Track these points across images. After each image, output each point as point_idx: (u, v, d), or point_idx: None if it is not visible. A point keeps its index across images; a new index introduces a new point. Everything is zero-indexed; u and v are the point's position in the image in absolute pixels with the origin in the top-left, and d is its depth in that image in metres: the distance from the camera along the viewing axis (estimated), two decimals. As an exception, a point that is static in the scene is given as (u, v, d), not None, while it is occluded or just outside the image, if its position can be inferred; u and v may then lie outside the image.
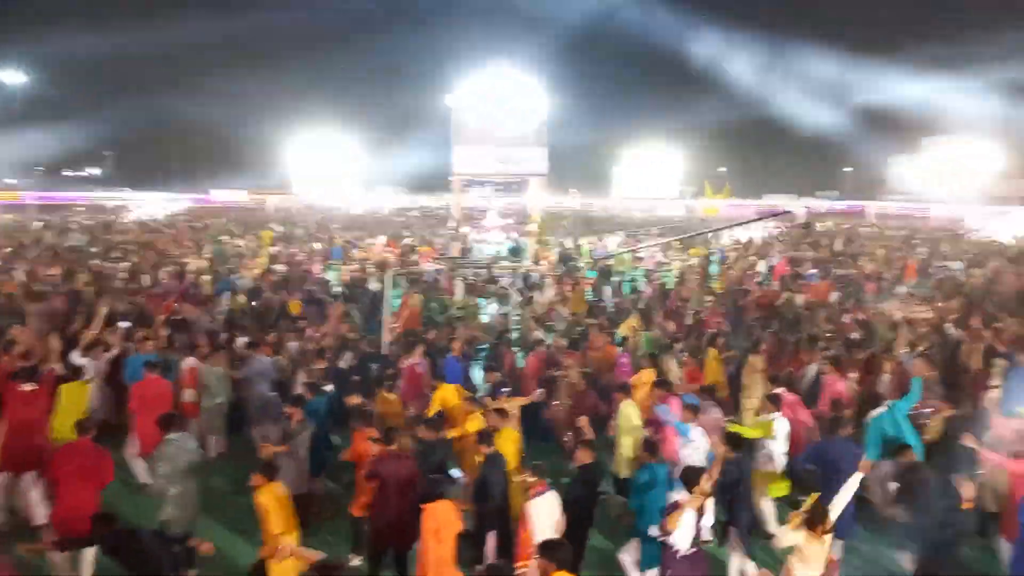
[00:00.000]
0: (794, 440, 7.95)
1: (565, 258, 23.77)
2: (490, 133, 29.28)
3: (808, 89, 67.92)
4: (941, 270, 22.10)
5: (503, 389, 9.34)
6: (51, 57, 67.44)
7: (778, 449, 7.70)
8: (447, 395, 8.84)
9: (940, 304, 14.59)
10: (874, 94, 67.06)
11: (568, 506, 6.46)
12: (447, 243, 26.96)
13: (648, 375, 9.42)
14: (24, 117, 67.26)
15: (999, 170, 60.92)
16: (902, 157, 75.16)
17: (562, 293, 16.38)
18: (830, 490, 5.94)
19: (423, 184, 64.18)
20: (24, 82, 66.00)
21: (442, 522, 5.97)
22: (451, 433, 7.98)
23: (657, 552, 6.19)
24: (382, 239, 27.56)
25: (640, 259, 23.86)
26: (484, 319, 14.32)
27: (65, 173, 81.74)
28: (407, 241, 28.13)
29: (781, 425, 7.81)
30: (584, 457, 6.91)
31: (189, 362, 9.93)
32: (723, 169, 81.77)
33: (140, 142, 76.12)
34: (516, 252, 24.88)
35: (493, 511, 6.80)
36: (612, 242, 28.39)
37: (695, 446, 7.57)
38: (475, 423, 7.94)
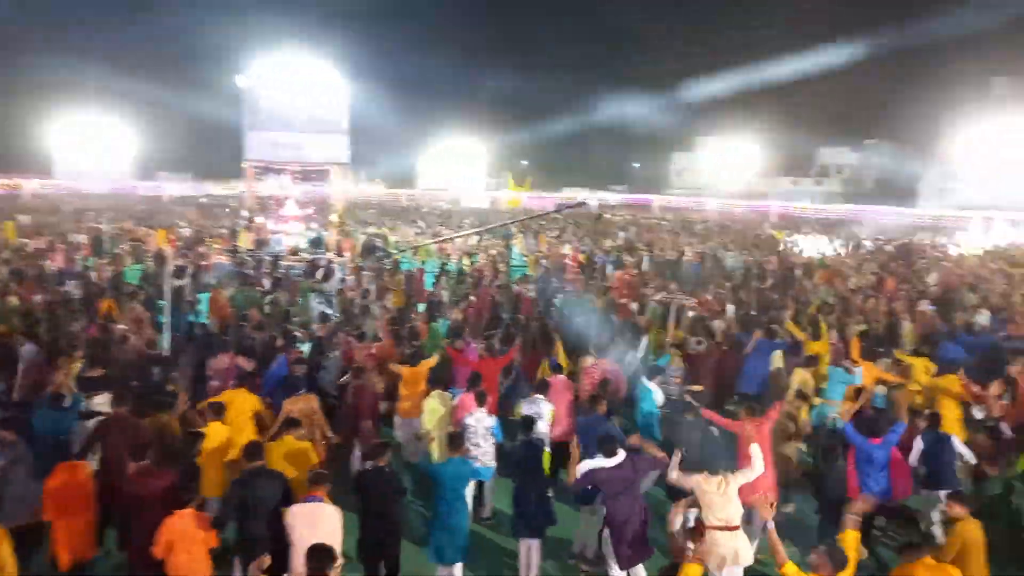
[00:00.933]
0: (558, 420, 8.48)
1: (370, 248, 23.13)
2: (286, 118, 27.64)
3: (601, 87, 72.16)
4: (713, 260, 24.40)
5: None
6: None
7: (542, 429, 8.03)
8: (237, 400, 7.97)
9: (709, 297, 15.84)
10: (656, 95, 72.69)
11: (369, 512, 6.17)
12: (240, 234, 25.15)
13: (425, 366, 9.26)
14: None
15: (759, 168, 68.95)
16: (682, 154, 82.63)
17: (382, 285, 15.85)
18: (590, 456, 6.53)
19: (213, 171, 59.49)
20: None
21: (178, 534, 5.48)
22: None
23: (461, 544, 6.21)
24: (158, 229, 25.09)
25: (444, 249, 23.86)
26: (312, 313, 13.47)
27: None
28: (185, 232, 25.93)
29: (546, 408, 8.24)
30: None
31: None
32: (525, 162, 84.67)
33: None
34: (317, 243, 23.83)
35: (249, 535, 6.01)
36: (410, 232, 28.22)
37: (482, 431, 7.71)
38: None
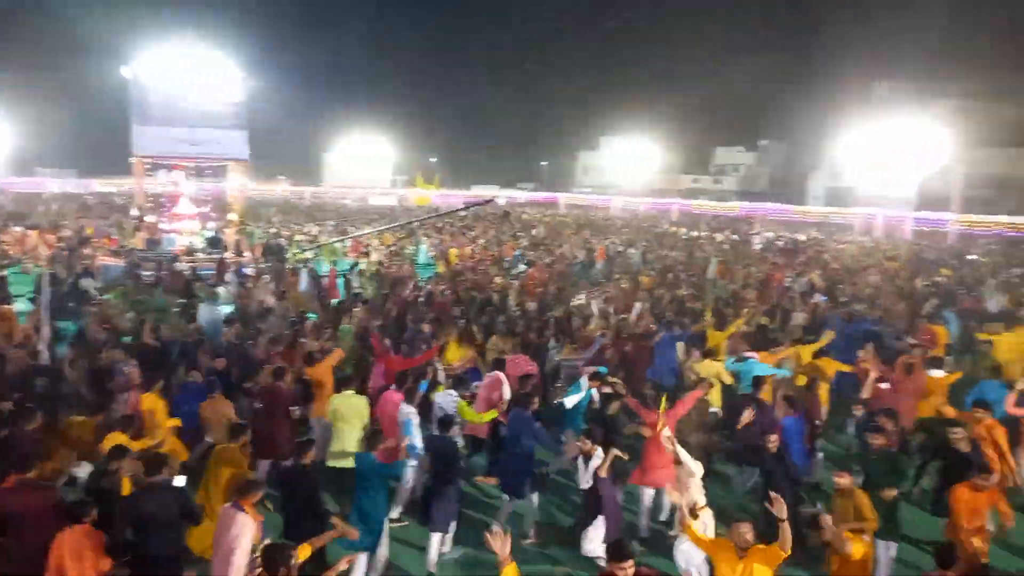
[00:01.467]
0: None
1: (274, 249, 22.29)
2: (178, 112, 26.18)
3: (510, 87, 72.41)
4: (620, 256, 24.99)
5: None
6: None
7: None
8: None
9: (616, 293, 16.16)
10: (564, 96, 73.79)
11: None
12: (130, 232, 23.73)
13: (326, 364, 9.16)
14: None
15: (660, 167, 71.00)
16: (588, 153, 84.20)
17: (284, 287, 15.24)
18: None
19: (99, 167, 55.88)
20: None
21: (69, 553, 5.09)
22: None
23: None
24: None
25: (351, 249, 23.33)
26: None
27: None
28: (66, 232, 24.31)
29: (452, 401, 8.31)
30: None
31: None
32: (434, 160, 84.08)
33: None
34: (215, 243, 22.74)
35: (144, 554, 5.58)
36: (315, 231, 27.46)
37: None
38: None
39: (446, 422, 7.47)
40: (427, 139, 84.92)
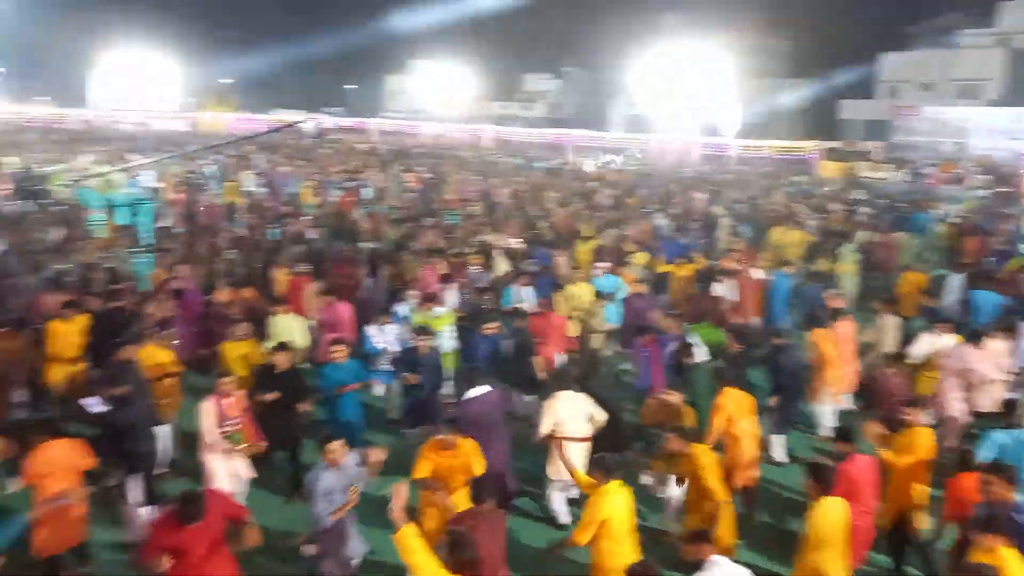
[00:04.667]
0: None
1: (24, 185, 19.27)
2: None
3: (315, 7, 67.60)
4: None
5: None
6: None
7: None
8: None
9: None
10: (370, 18, 70.25)
11: None
12: None
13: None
14: None
15: (473, 93, 70.56)
16: (396, 77, 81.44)
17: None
18: None
19: None
20: None
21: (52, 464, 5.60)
22: None
23: None
24: None
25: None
26: None
27: None
28: None
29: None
30: None
31: None
32: (229, 81, 77.03)
33: None
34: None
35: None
36: (86, 161, 24.23)
37: None
38: None
39: None
40: (220, 57, 77.46)
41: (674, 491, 6.60)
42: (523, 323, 9.01)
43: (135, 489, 6.67)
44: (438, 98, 66.34)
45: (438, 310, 9.37)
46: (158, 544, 4.78)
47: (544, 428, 6.79)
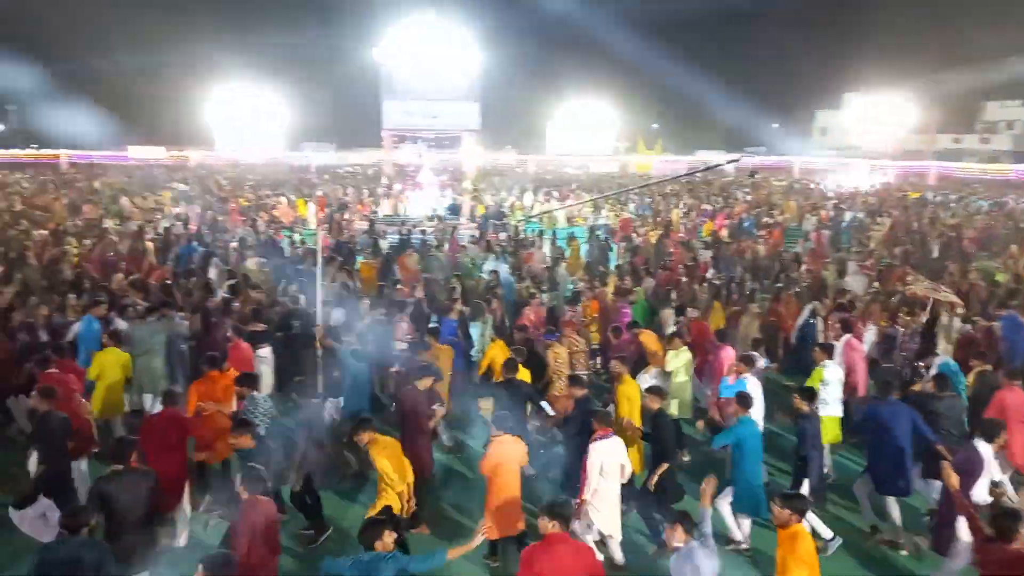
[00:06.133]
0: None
1: (494, 215, 23.59)
2: (420, 87, 28.49)
3: (735, 43, 68.63)
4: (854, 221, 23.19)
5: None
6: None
7: (833, 395, 8.22)
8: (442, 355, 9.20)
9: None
10: (802, 47, 68.32)
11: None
12: (377, 201, 26.38)
13: (649, 336, 9.73)
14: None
15: (912, 125, 63.28)
16: (826, 113, 77.33)
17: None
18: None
19: (353, 141, 62.34)
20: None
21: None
22: None
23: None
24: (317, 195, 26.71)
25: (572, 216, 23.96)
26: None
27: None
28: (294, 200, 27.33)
29: (834, 372, 8.35)
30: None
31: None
32: (655, 125, 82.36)
33: (46, 97, 70.92)
34: (455, 210, 24.57)
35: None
36: (529, 200, 28.45)
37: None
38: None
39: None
40: (650, 104, 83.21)
41: None
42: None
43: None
44: (874, 133, 61.04)
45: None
46: None
47: None
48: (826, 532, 7.00)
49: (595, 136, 68.43)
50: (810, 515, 6.72)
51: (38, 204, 23.74)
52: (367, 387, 8.89)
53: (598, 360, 11.08)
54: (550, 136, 71.31)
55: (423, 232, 20.03)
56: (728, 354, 8.88)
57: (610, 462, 6.44)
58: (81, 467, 7.40)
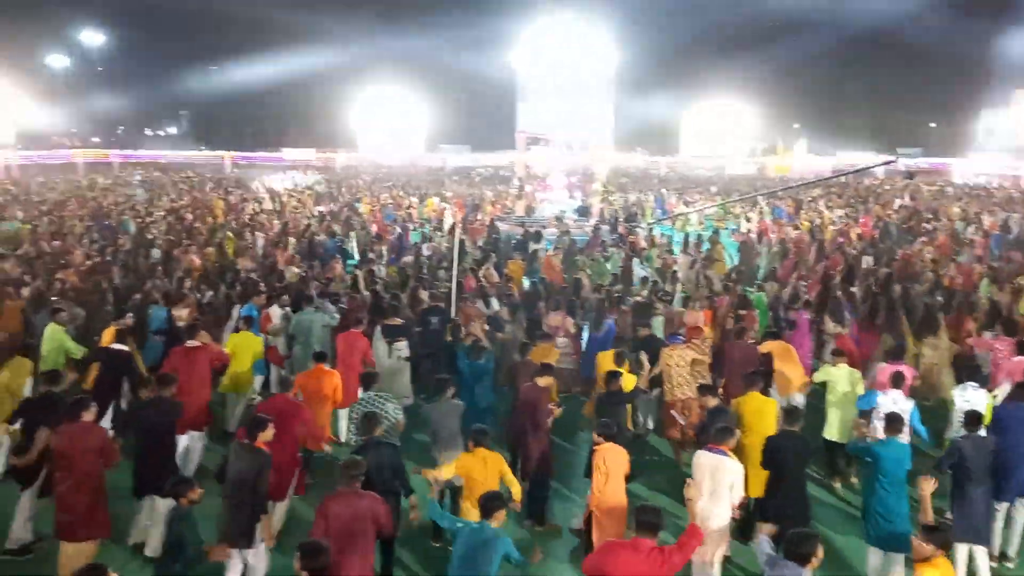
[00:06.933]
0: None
1: (626, 218, 23.49)
2: (555, 89, 28.84)
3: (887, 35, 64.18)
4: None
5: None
6: (129, 18, 69.45)
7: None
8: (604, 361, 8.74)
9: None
10: (966, 42, 62.79)
11: None
12: (513, 201, 26.95)
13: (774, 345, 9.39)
14: (103, 77, 69.77)
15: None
16: (993, 111, 70.61)
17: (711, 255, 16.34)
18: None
19: (486, 142, 63.94)
20: (102, 42, 68.42)
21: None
22: None
23: None
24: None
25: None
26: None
27: (147, 132, 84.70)
28: (433, 200, 27.98)
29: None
30: None
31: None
32: (797, 126, 78.40)
33: (213, 102, 77.68)
34: (584, 212, 24.63)
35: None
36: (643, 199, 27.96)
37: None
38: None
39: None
40: (792, 104, 79.34)
41: None
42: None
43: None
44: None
45: None
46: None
47: None
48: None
49: (731, 137, 66.24)
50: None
51: (199, 203, 26.11)
52: (490, 380, 8.87)
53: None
54: (683, 138, 69.83)
55: (566, 232, 20.03)
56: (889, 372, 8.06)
57: (698, 477, 6.12)
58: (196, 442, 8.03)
